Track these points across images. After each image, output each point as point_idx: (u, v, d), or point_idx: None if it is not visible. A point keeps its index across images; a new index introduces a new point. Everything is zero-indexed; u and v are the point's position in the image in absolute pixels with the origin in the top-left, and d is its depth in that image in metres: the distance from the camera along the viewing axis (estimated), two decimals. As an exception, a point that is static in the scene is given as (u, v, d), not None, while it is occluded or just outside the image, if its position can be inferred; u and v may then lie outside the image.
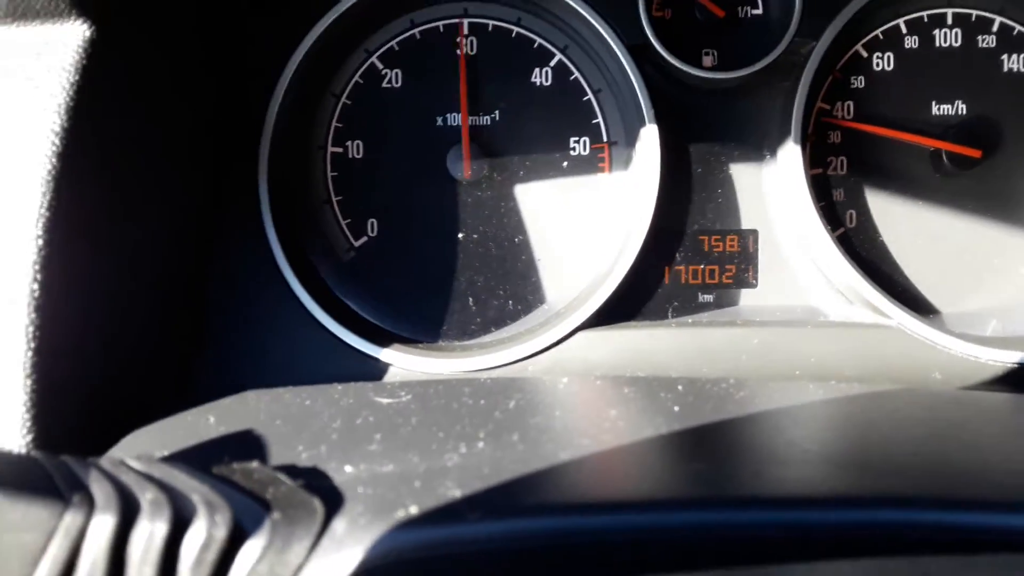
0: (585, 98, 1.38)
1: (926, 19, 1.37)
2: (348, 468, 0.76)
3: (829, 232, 1.29)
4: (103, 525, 0.62)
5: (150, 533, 0.62)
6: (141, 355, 1.15)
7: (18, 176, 0.95)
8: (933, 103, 1.36)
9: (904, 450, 0.79)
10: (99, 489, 0.65)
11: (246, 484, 0.71)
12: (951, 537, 0.63)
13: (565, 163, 1.38)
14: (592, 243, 1.38)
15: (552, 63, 1.38)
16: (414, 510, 0.66)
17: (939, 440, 0.83)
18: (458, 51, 1.38)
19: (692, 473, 0.75)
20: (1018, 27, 1.36)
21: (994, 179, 1.35)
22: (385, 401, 0.95)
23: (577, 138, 1.38)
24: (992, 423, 0.91)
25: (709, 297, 1.38)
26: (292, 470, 0.75)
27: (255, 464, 0.76)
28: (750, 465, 0.77)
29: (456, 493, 0.69)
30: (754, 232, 1.37)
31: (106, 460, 0.71)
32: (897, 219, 1.37)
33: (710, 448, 0.82)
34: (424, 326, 1.37)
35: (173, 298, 1.23)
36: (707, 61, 1.37)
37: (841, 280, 1.30)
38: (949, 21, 1.36)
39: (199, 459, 0.77)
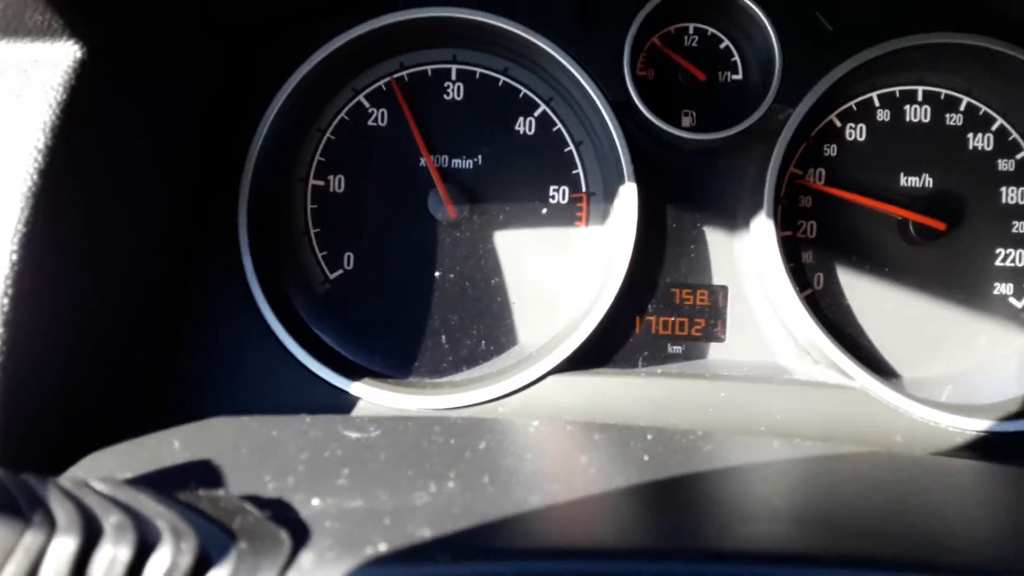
0: (567, 149, 1.41)
1: (898, 94, 1.42)
2: (316, 501, 0.75)
3: (797, 292, 1.32)
4: (64, 546, 0.61)
5: (113, 557, 0.61)
6: (109, 376, 1.13)
7: (-2, 189, 0.94)
8: (901, 175, 1.41)
9: (869, 511, 0.81)
10: (61, 509, 0.64)
11: (212, 512, 0.70)
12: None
13: (544, 210, 1.41)
14: (566, 289, 1.39)
15: (536, 113, 1.41)
16: (383, 548, 0.66)
17: (903, 504, 0.84)
18: (443, 97, 1.41)
19: (661, 524, 0.75)
20: (984, 108, 1.42)
21: (957, 252, 1.40)
22: (354, 435, 0.94)
23: (557, 187, 1.41)
24: (954, 489, 0.92)
25: (678, 348, 1.39)
26: (259, 500, 0.74)
27: (221, 492, 0.75)
28: (717, 519, 0.78)
29: (426, 533, 0.68)
30: (724, 288, 1.40)
31: (70, 481, 0.70)
32: (863, 283, 1.40)
33: (678, 500, 0.82)
34: (396, 362, 1.37)
35: (145, 320, 1.22)
36: (686, 122, 1.41)
37: (807, 339, 1.33)
38: (920, 98, 1.42)
39: (164, 484, 0.76)
